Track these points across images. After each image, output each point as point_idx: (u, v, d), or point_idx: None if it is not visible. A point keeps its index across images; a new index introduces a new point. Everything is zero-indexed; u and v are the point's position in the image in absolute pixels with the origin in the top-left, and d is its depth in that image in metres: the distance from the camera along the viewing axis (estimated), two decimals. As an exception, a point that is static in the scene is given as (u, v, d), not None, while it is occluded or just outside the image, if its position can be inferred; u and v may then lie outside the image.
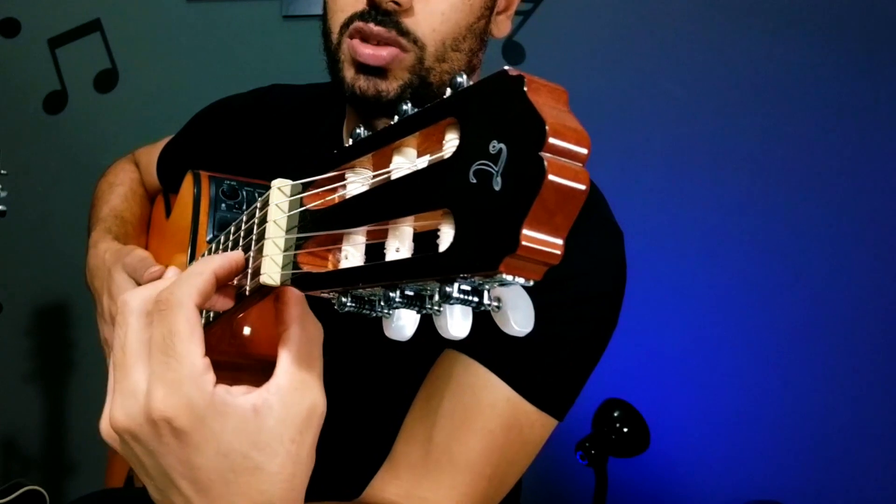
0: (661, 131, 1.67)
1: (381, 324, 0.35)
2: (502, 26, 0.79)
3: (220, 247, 0.50)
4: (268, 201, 0.41)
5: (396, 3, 0.66)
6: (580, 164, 0.25)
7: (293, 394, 0.41)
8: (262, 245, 0.40)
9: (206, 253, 0.54)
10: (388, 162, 0.33)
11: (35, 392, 1.95)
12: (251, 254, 0.42)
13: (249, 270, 0.42)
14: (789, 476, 1.59)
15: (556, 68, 1.69)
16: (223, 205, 0.78)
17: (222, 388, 0.40)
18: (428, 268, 0.28)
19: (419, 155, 0.33)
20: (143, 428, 0.41)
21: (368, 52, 0.68)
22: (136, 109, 1.90)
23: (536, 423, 0.70)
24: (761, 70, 1.62)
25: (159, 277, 0.43)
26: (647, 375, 1.62)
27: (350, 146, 0.36)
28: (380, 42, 0.68)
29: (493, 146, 0.26)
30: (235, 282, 0.45)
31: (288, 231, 0.39)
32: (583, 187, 0.25)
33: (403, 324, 0.34)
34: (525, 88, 0.26)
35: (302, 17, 1.81)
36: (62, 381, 1.95)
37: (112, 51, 1.91)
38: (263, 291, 0.42)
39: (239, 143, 0.97)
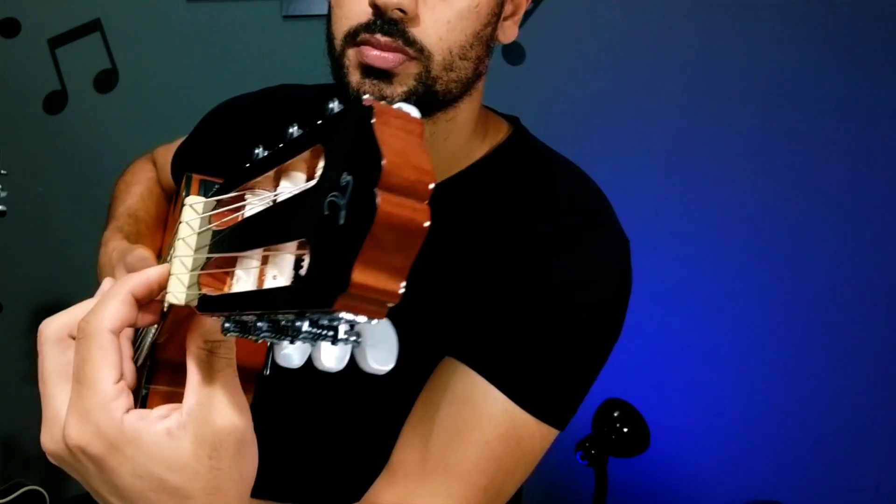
0: (662, 131, 1.66)
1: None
2: (509, 32, 0.76)
3: (170, 258, 0.50)
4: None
5: (402, 11, 0.64)
6: (421, 202, 0.24)
7: (203, 411, 0.41)
8: (173, 263, 0.39)
9: (167, 261, 0.54)
10: (278, 184, 0.32)
11: (35, 392, 1.90)
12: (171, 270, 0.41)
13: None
14: (789, 476, 1.59)
15: (556, 68, 1.69)
16: None
17: (134, 413, 0.41)
18: (276, 300, 0.27)
19: (308, 179, 0.31)
20: (65, 453, 0.43)
21: (375, 54, 0.66)
22: (136, 109, 1.89)
23: (536, 434, 0.69)
24: (761, 70, 1.62)
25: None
26: (647, 375, 1.62)
27: (250, 165, 0.35)
28: (385, 49, 0.67)
29: (344, 178, 0.24)
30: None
31: (197, 250, 0.38)
32: (423, 225, 0.24)
33: (290, 352, 0.33)
34: (373, 120, 0.24)
35: (302, 17, 1.81)
36: (62, 381, 1.94)
37: (112, 51, 1.91)
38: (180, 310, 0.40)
39: (246, 142, 0.96)
